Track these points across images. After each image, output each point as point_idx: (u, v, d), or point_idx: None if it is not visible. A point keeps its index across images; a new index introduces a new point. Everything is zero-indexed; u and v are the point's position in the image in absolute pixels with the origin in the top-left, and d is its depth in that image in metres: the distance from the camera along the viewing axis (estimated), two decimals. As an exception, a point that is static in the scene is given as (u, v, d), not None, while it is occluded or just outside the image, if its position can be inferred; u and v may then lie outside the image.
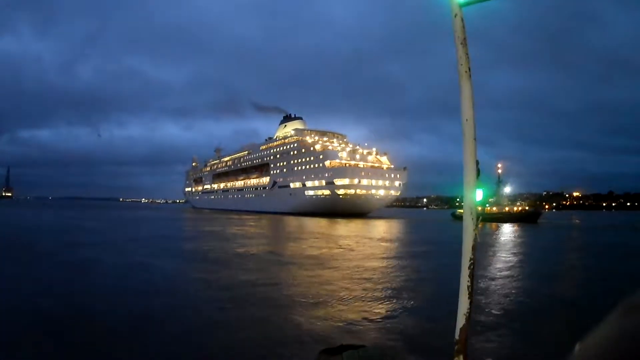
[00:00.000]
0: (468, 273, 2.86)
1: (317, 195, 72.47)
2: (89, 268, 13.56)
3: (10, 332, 7.07)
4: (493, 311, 8.87)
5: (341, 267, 14.53)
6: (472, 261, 2.87)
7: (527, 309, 9.25)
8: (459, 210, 56.67)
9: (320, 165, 72.05)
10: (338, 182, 68.29)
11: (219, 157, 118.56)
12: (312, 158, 74.77)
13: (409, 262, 16.59)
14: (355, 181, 67.83)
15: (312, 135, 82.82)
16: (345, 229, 37.51)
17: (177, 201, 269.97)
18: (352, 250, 20.06)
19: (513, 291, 11.09)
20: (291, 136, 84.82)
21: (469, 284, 2.86)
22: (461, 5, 2.96)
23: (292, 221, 49.42)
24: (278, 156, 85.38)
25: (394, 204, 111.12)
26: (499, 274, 13.79)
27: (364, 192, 68.66)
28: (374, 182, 70.34)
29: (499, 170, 58.51)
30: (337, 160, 70.98)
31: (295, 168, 78.22)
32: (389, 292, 10.60)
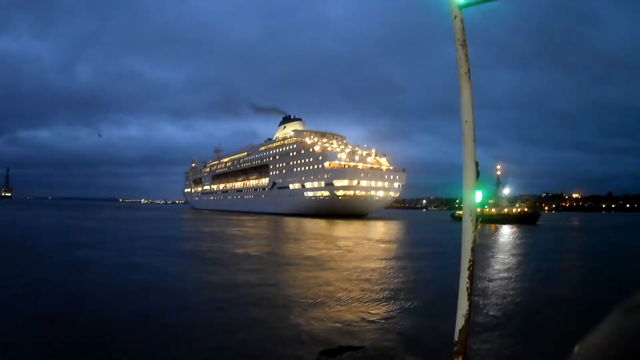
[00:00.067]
0: (467, 274, 2.87)
1: (316, 196, 72.43)
2: (89, 268, 13.53)
3: (10, 332, 7.06)
4: (491, 312, 8.87)
5: (340, 268, 14.53)
6: (471, 262, 2.87)
7: (526, 310, 9.25)
8: (458, 212, 56.73)
9: (320, 166, 72.04)
10: (337, 183, 68.29)
11: (219, 158, 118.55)
12: (311, 159, 74.76)
13: (407, 263, 16.59)
14: (355, 182, 67.85)
15: (312, 137, 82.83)
16: (344, 230, 37.50)
17: (177, 202, 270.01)
18: (351, 251, 20.05)
19: (511, 292, 11.08)
20: (290, 137, 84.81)
21: (468, 285, 2.87)
22: (461, 7, 2.96)
23: (291, 222, 49.40)
24: (277, 157, 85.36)
25: (394, 205, 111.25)
26: (497, 275, 13.79)
27: (363, 193, 68.65)
28: (373, 183, 70.34)
29: (498, 172, 58.58)
30: (337, 162, 70.95)
31: (295, 169, 78.20)
32: (388, 293, 10.60)
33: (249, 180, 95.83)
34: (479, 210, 2.98)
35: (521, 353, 6.73)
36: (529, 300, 10.38)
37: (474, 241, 2.86)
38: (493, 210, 55.53)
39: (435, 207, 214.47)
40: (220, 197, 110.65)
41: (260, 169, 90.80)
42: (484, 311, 8.83)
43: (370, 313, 8.60)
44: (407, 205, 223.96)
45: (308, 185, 74.26)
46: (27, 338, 6.72)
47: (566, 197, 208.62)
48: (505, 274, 14.07)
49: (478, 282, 11.74)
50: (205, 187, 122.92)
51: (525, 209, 61.99)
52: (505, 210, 57.33)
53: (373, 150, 77.78)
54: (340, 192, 68.06)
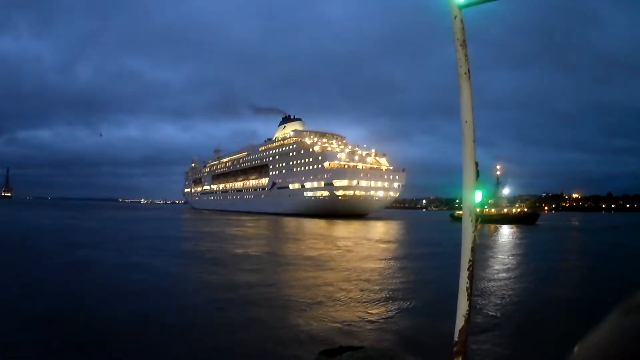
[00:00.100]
0: (467, 274, 2.87)
1: (316, 196, 72.43)
2: (89, 268, 13.53)
3: (10, 332, 7.06)
4: (491, 312, 8.87)
5: (339, 268, 14.53)
6: (471, 262, 2.87)
7: (526, 310, 9.25)
8: (458, 212, 56.73)
9: (320, 166, 72.03)
10: (337, 183, 68.29)
11: (218, 158, 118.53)
12: (311, 159, 74.76)
13: (407, 263, 16.59)
14: (354, 182, 67.86)
15: (311, 137, 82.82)
16: (344, 230, 37.50)
17: (177, 202, 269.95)
18: (351, 251, 20.05)
19: (511, 292, 11.08)
20: (290, 137, 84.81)
21: (468, 285, 2.87)
22: (460, 7, 2.96)
23: (291, 222, 49.40)
24: (277, 157, 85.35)
25: (393, 205, 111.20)
26: (497, 275, 13.79)
27: (362, 193, 68.66)
28: (372, 183, 70.36)
29: (498, 172, 58.57)
30: (336, 162, 70.96)
31: (295, 169, 78.20)
32: (387, 293, 10.60)
33: (249, 180, 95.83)
34: (478, 210, 2.98)
35: (521, 353, 6.74)
36: (528, 300, 10.39)
37: (474, 241, 2.86)
38: (493, 210, 55.51)
39: (435, 207, 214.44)
40: (220, 197, 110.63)
41: (260, 169, 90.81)
42: (484, 311, 8.84)
43: (369, 313, 8.60)
44: (407, 205, 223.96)
45: (308, 185, 74.26)
46: (27, 338, 6.72)
47: (566, 197, 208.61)
48: (504, 274, 14.08)
49: (478, 282, 11.74)
50: (205, 187, 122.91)
51: (525, 209, 61.98)
52: (505, 210, 57.33)
53: (373, 150, 77.83)
54: (340, 192, 68.07)
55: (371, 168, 72.77)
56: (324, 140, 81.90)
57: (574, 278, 14.74)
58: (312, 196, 73.07)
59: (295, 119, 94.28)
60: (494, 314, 8.81)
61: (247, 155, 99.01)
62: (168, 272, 13.54)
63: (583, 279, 14.31)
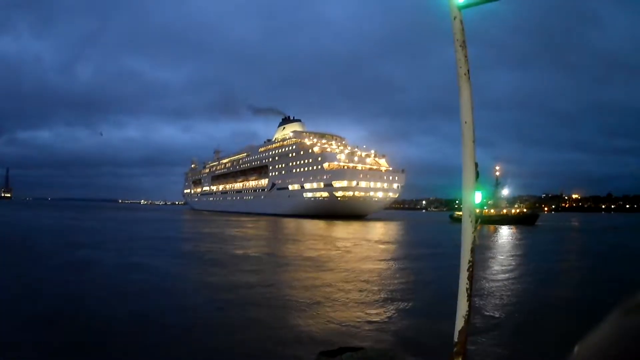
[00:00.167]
0: (467, 275, 2.87)
1: (315, 197, 72.42)
2: (89, 268, 13.53)
3: (10, 332, 7.05)
4: (490, 313, 8.87)
5: (339, 269, 14.53)
6: (470, 263, 2.87)
7: (526, 310, 9.25)
8: (457, 212, 56.75)
9: (319, 167, 72.03)
10: (336, 184, 68.29)
11: (218, 159, 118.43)
12: (310, 160, 74.75)
13: (406, 264, 16.59)
14: (354, 183, 67.87)
15: (311, 137, 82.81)
16: (344, 230, 37.50)
17: (176, 203, 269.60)
18: (350, 252, 20.05)
19: (510, 293, 11.08)
20: (290, 138, 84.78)
21: (468, 286, 2.87)
22: (460, 8, 2.97)
23: (291, 223, 49.39)
24: (277, 158, 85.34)
25: (393, 206, 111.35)
26: (496, 276, 13.79)
27: (362, 194, 68.67)
28: (372, 184, 70.37)
29: (497, 172, 58.57)
30: (336, 162, 70.96)
31: (294, 170, 78.18)
32: (386, 294, 10.60)
33: (249, 181, 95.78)
34: (478, 211, 2.98)
35: (521, 353, 6.74)
36: (528, 300, 10.38)
37: (474, 242, 2.87)
38: (492, 211, 55.51)
39: (435, 208, 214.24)
40: (219, 198, 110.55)
41: (260, 170, 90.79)
42: (484, 312, 8.84)
43: (369, 314, 8.60)
44: (406, 206, 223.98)
45: (307, 186, 74.25)
46: (27, 338, 6.72)
47: (566, 197, 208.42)
48: (504, 275, 14.08)
49: (477, 282, 11.74)
50: (204, 188, 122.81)
51: (524, 210, 62.04)
52: (504, 211, 57.34)
53: (372, 151, 77.82)
54: (339, 193, 68.05)
55: (370, 169, 72.78)
56: (324, 141, 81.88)
57: (574, 278, 14.74)
58: (312, 197, 73.06)
59: (294, 120, 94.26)
60: (493, 314, 8.81)
61: (247, 156, 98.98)
62: (168, 272, 13.54)
63: (583, 280, 14.30)
